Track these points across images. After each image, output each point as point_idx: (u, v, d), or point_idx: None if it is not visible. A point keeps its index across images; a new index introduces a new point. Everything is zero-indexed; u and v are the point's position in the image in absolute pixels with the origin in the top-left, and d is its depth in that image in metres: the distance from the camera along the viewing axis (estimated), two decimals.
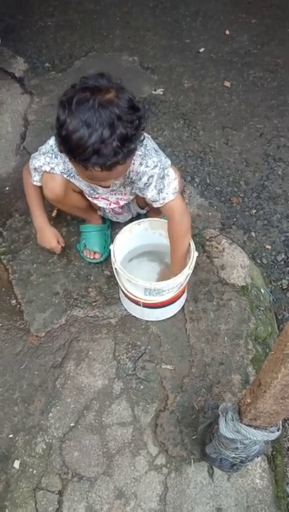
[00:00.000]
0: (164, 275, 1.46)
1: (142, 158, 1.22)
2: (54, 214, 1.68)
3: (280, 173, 1.94)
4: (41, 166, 1.32)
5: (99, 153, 1.05)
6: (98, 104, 1.03)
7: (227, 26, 2.47)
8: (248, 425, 0.93)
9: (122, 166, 1.13)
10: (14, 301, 1.54)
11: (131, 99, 1.08)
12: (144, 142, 1.22)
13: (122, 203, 1.45)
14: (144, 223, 1.44)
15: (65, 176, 1.34)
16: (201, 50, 2.37)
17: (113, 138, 1.04)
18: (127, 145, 1.07)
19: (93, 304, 1.53)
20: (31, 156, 1.36)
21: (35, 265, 1.61)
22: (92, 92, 1.04)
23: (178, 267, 1.37)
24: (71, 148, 1.07)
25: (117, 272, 1.35)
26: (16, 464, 1.26)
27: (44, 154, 1.31)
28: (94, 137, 1.03)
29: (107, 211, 1.58)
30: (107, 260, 1.61)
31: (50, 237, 1.51)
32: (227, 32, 2.45)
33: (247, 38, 2.43)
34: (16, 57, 2.32)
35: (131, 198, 1.44)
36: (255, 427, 0.92)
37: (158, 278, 1.52)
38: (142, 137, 1.19)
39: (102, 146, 1.04)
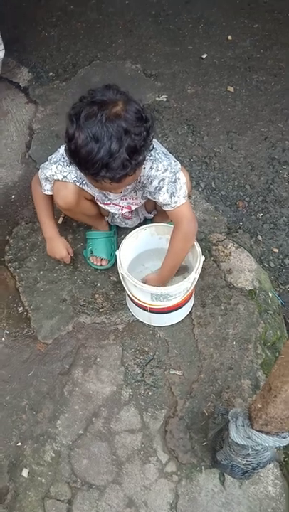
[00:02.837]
0: (151, 280, 1.43)
1: (153, 162, 1.23)
2: (60, 221, 1.69)
3: (285, 176, 1.93)
4: (53, 175, 1.32)
5: (108, 167, 1.06)
6: (106, 119, 1.04)
7: (229, 32, 2.48)
8: (259, 431, 0.91)
9: (132, 176, 1.14)
10: (21, 308, 1.54)
11: (138, 111, 1.09)
12: (154, 146, 1.23)
13: (133, 207, 1.45)
14: (149, 228, 1.43)
15: (77, 183, 1.34)
16: (204, 56, 2.38)
17: (121, 151, 1.05)
18: (135, 157, 1.09)
19: (100, 310, 1.53)
20: (40, 166, 1.37)
21: (41, 272, 1.61)
22: (100, 106, 1.06)
23: (168, 274, 1.36)
24: (80, 161, 1.09)
25: (123, 278, 1.35)
26: (25, 473, 1.25)
27: (55, 163, 1.31)
28: (102, 151, 1.04)
29: (116, 216, 1.58)
30: (114, 266, 1.61)
31: (60, 247, 1.51)
32: (229, 37, 2.46)
33: (249, 43, 2.43)
34: (20, 67, 2.34)
35: (142, 201, 1.44)
36: (267, 433, 0.91)
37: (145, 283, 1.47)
38: (151, 146, 1.19)
39: (110, 160, 1.05)
